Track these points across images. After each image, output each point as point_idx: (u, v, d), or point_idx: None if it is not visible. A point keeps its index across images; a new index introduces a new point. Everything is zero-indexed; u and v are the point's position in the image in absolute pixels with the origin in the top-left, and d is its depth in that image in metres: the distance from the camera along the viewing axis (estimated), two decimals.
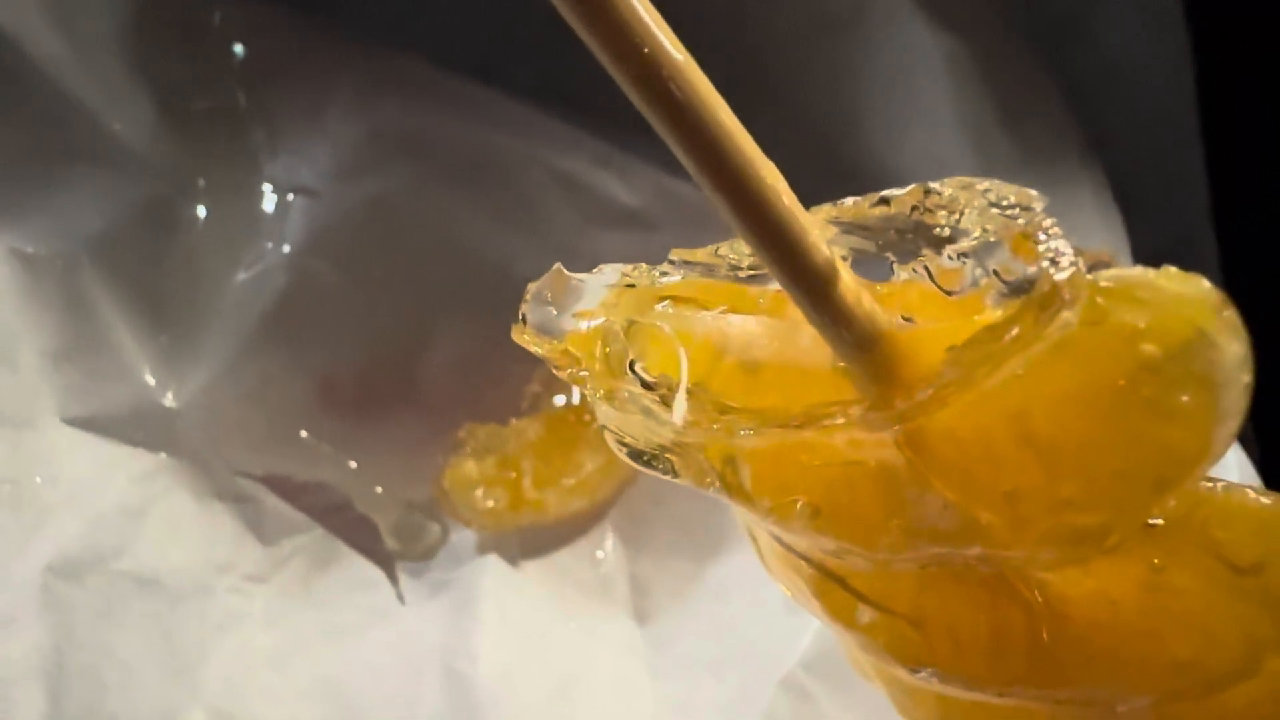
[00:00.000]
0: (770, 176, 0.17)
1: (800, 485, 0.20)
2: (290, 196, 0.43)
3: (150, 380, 0.40)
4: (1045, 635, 0.20)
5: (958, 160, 0.39)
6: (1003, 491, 0.18)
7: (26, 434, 0.37)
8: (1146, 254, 0.39)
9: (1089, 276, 0.18)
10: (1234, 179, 0.42)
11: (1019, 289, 0.18)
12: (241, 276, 0.42)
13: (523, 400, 0.42)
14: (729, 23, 0.40)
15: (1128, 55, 0.42)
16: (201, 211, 0.42)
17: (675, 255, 0.22)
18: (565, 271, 0.21)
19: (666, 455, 0.21)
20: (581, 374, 0.21)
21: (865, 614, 0.21)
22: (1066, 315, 0.17)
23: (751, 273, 0.21)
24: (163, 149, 0.41)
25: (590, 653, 0.38)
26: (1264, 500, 0.20)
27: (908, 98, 0.39)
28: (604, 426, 0.22)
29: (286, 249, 0.42)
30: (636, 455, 0.22)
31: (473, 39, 0.42)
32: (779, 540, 0.22)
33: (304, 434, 0.41)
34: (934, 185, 0.19)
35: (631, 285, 0.21)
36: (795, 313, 0.19)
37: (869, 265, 0.20)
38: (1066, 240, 0.18)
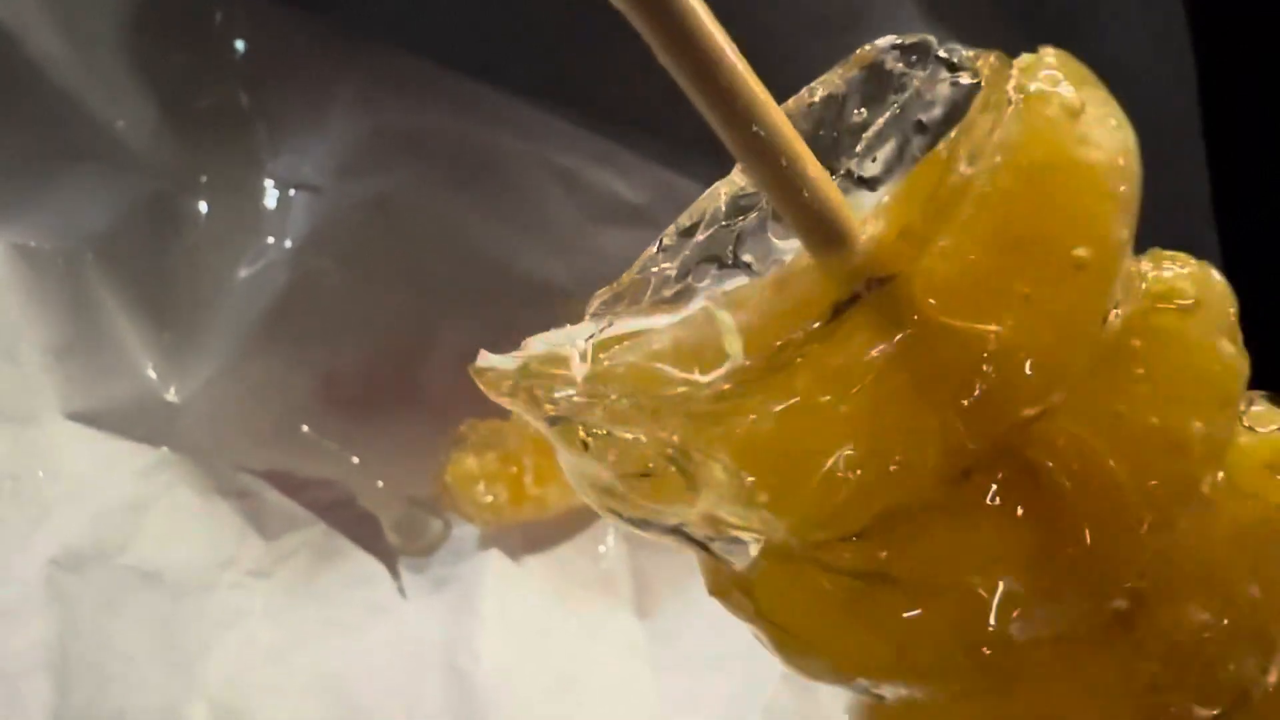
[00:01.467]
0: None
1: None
2: (292, 193, 0.43)
3: (153, 375, 0.40)
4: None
5: None
6: (1020, 295, 0.16)
7: (29, 429, 0.37)
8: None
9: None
10: (1235, 178, 0.42)
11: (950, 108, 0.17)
12: (243, 273, 0.42)
13: None
14: (728, 25, 0.40)
15: (1128, 54, 0.42)
16: (204, 208, 0.42)
17: (596, 299, 0.20)
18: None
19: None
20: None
21: None
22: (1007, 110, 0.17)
23: (678, 286, 0.20)
24: (165, 146, 0.42)
25: (592, 648, 0.38)
26: None
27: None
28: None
29: (288, 245, 0.42)
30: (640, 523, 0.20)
31: (475, 37, 0.42)
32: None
33: (306, 429, 0.41)
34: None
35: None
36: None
37: None
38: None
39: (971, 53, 0.18)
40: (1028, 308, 0.16)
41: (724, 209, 0.20)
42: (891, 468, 0.17)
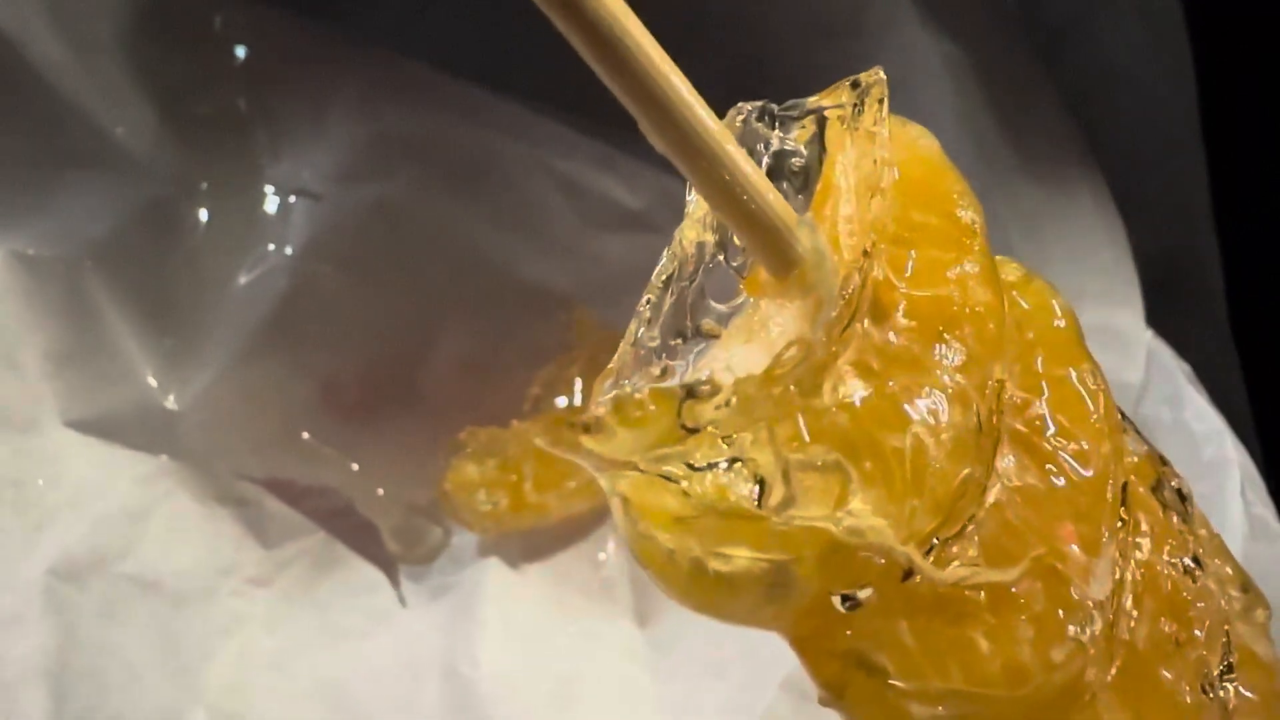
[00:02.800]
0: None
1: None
2: (292, 199, 0.43)
3: (152, 383, 0.40)
4: None
5: (958, 163, 0.39)
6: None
7: (29, 437, 0.37)
8: (1148, 257, 0.39)
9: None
10: (1235, 181, 0.42)
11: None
12: (243, 279, 0.42)
13: (524, 403, 0.42)
14: (729, 29, 0.40)
15: (1128, 58, 0.42)
16: (204, 214, 0.42)
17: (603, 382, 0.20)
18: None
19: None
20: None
21: None
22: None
23: (663, 364, 0.20)
24: (165, 152, 0.41)
25: (591, 655, 0.38)
26: None
27: (907, 102, 0.39)
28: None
29: (289, 252, 0.42)
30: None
31: (474, 42, 0.42)
32: None
33: (306, 436, 0.41)
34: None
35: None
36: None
37: None
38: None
39: (811, 100, 0.20)
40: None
41: (676, 269, 0.21)
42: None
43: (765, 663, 0.34)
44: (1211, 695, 0.22)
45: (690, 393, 0.18)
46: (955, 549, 0.19)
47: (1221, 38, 0.42)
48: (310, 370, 0.42)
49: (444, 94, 0.43)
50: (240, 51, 0.43)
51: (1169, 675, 0.21)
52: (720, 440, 0.18)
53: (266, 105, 0.43)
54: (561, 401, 0.42)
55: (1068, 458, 0.20)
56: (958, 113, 0.39)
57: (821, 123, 0.20)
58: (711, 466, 0.18)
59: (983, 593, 0.19)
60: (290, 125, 0.43)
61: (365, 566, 0.39)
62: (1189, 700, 0.21)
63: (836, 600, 0.19)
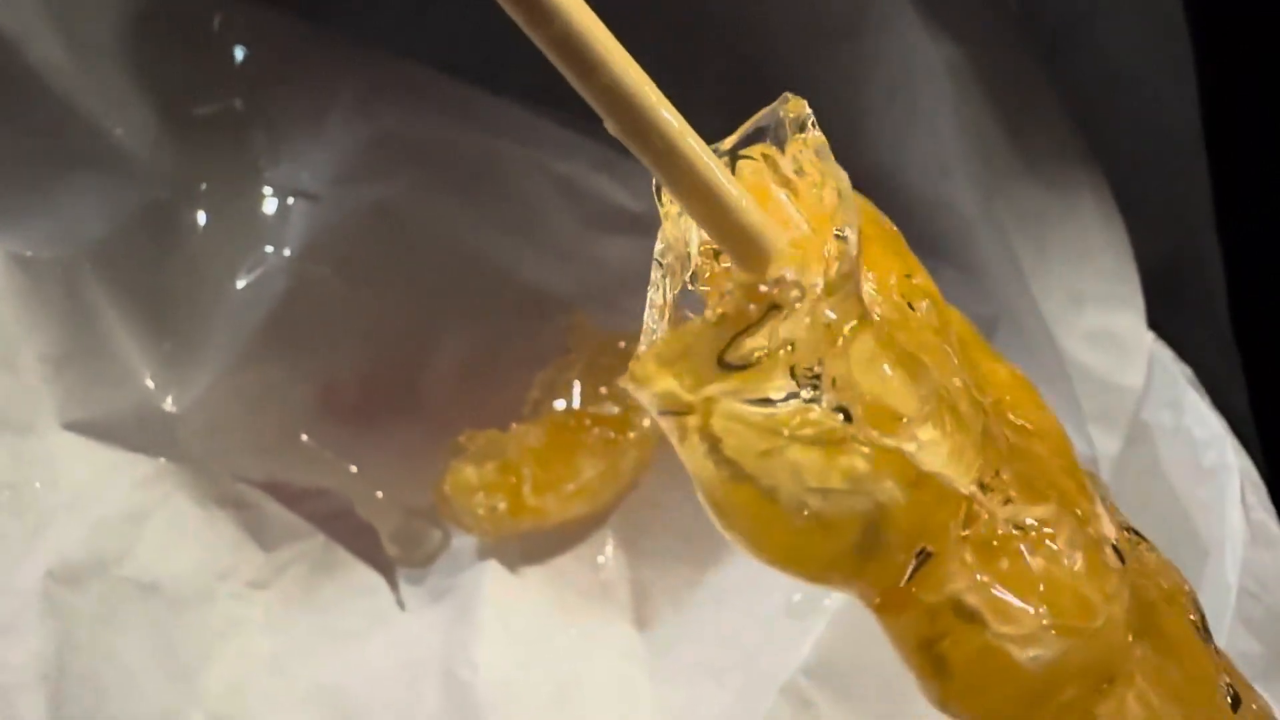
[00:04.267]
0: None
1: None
2: (291, 201, 0.43)
3: (151, 385, 0.40)
4: None
5: (959, 166, 0.39)
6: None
7: (27, 439, 0.37)
8: (1149, 259, 0.39)
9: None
10: (1237, 184, 0.42)
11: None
12: (242, 281, 0.42)
13: (523, 406, 0.42)
14: (729, 33, 0.40)
15: (1129, 61, 0.42)
16: (202, 217, 0.42)
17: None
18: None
19: None
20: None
21: None
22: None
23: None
24: (163, 154, 0.41)
25: (590, 658, 0.38)
26: None
27: (908, 105, 0.39)
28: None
29: (287, 254, 0.42)
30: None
31: (474, 44, 0.42)
32: None
33: (305, 439, 0.41)
34: None
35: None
36: None
37: None
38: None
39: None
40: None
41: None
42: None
43: (765, 667, 0.34)
44: (1210, 642, 0.22)
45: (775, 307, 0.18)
46: (995, 488, 0.19)
47: (1223, 40, 0.42)
48: (309, 373, 0.42)
49: (444, 96, 0.42)
50: (239, 53, 0.43)
51: (1172, 617, 0.21)
52: (792, 371, 0.18)
53: (265, 107, 0.43)
54: (561, 404, 0.42)
55: (1025, 424, 0.21)
56: (958, 115, 0.38)
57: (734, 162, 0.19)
58: (793, 396, 0.18)
59: (1032, 531, 0.19)
60: (289, 127, 0.43)
61: (364, 569, 0.39)
62: (1199, 643, 0.22)
63: (913, 550, 0.19)
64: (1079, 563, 0.20)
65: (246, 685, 0.36)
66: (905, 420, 0.18)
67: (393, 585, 0.39)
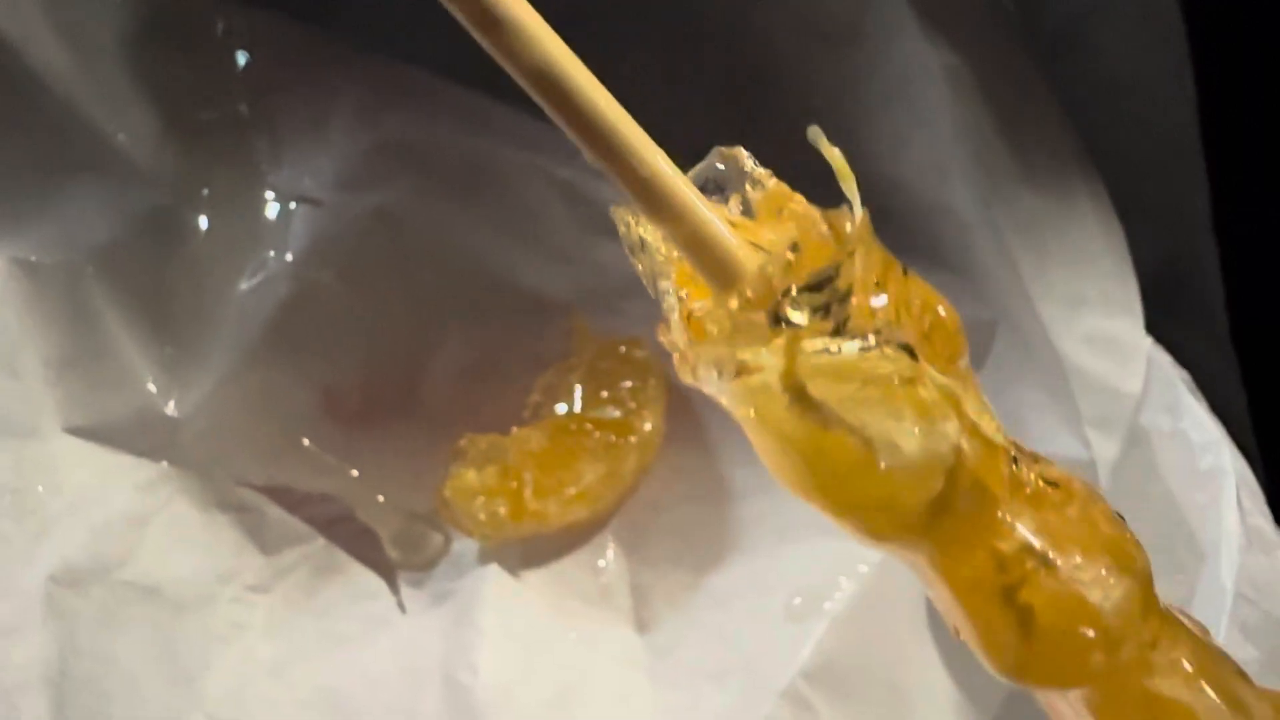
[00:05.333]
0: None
1: None
2: (293, 206, 0.43)
3: (153, 389, 0.40)
4: None
5: (957, 171, 0.39)
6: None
7: (29, 443, 0.37)
8: (1147, 264, 0.39)
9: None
10: (1235, 188, 0.42)
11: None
12: (244, 286, 0.42)
13: (524, 410, 0.42)
14: (729, 38, 0.40)
15: (1127, 65, 0.42)
16: (204, 221, 0.42)
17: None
18: None
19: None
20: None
21: None
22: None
23: None
24: (166, 159, 0.42)
25: (591, 662, 0.38)
26: None
27: (907, 110, 0.39)
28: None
29: (289, 258, 0.42)
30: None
31: (476, 50, 0.42)
32: None
33: (306, 443, 0.41)
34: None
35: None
36: None
37: None
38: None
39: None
40: None
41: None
42: None
43: (765, 670, 0.34)
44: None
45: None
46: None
47: (1221, 44, 0.42)
48: (311, 377, 0.42)
49: (445, 101, 0.43)
50: (242, 58, 0.43)
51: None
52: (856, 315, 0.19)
53: (268, 112, 0.43)
54: (562, 408, 0.42)
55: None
56: (957, 119, 0.39)
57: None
58: (859, 338, 0.19)
59: (1061, 485, 0.20)
60: (291, 132, 0.43)
61: (365, 573, 0.39)
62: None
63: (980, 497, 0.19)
64: (1099, 505, 0.20)
65: (247, 688, 0.36)
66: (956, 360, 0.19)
67: (394, 589, 0.39)
